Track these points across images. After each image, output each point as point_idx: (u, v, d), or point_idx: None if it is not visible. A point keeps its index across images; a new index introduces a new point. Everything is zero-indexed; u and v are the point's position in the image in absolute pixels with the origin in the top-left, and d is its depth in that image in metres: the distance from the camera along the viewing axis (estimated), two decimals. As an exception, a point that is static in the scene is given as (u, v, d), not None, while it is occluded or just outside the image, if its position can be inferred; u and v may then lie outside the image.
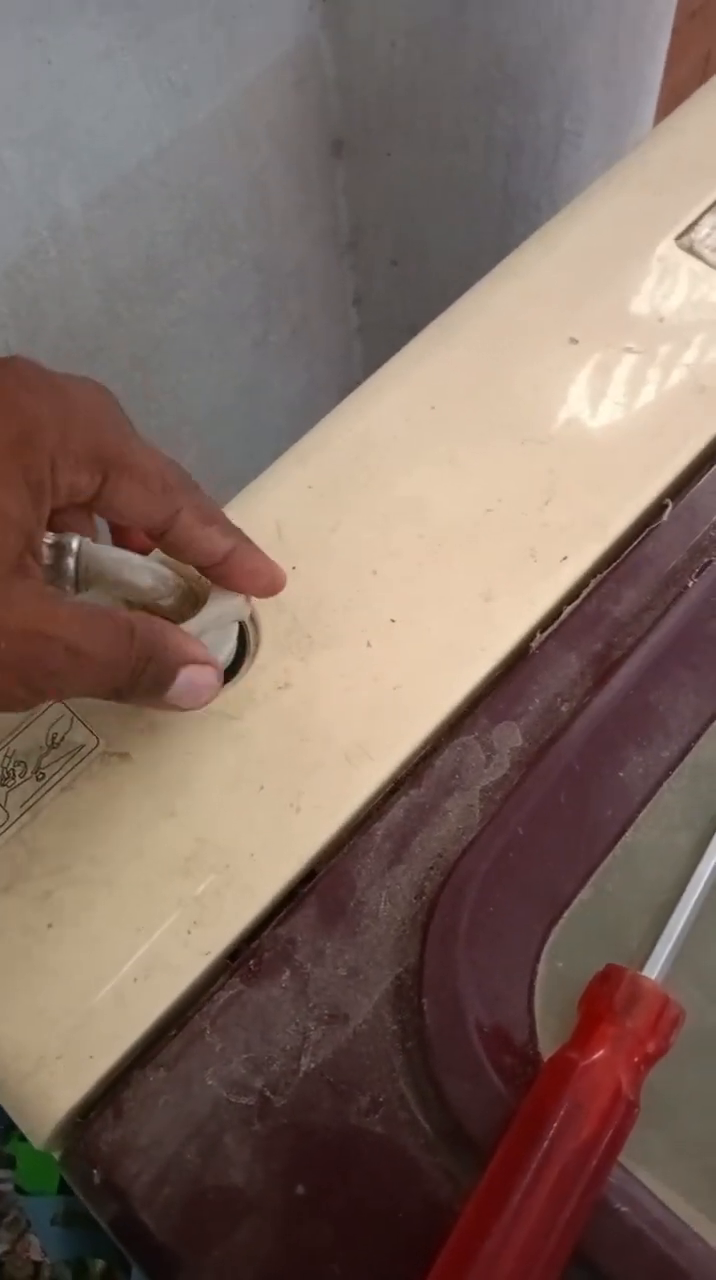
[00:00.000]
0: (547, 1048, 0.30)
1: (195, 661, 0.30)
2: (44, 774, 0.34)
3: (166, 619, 0.32)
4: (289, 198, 0.72)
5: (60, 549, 0.29)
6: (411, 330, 0.42)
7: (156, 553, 0.33)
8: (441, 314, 0.42)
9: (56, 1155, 0.31)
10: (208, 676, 0.31)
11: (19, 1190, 0.93)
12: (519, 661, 0.35)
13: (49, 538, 0.29)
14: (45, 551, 0.28)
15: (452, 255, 0.80)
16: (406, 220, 0.78)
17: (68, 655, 0.27)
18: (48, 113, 0.53)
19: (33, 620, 0.26)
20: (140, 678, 0.29)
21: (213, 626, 0.32)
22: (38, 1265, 0.95)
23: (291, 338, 0.82)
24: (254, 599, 0.34)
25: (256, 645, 0.36)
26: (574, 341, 0.40)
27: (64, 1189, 0.93)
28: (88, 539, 0.30)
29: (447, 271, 0.82)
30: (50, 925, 0.32)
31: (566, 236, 0.43)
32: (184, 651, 0.30)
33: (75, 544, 0.29)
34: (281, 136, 0.69)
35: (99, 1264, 0.91)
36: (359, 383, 0.41)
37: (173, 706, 0.31)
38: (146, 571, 0.31)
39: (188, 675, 0.30)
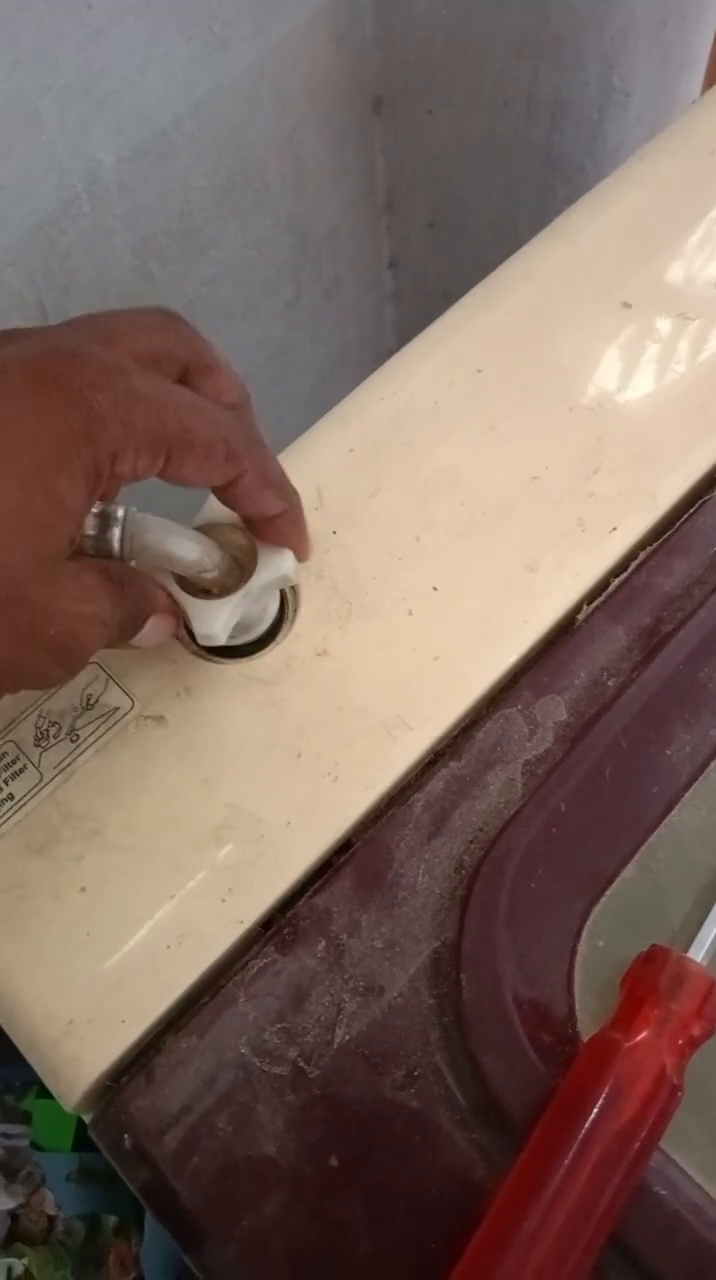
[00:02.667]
0: (587, 1028, 0.29)
1: (161, 611, 0.31)
2: (78, 735, 0.33)
3: (208, 591, 0.31)
4: (325, 156, 0.71)
5: (106, 520, 0.28)
6: (445, 296, 0.41)
7: (202, 518, 0.33)
8: (487, 277, 0.41)
9: (87, 1118, 0.30)
10: (168, 624, 0.31)
11: (35, 1146, 0.94)
12: (564, 634, 0.34)
13: (95, 507, 0.28)
14: (90, 521, 0.27)
15: (491, 219, 0.78)
16: (444, 182, 0.76)
17: (103, 631, 0.27)
18: (83, 63, 0.52)
19: (79, 605, 0.26)
20: (124, 633, 0.29)
21: (263, 593, 0.32)
22: (52, 1219, 0.96)
23: (323, 301, 0.80)
24: None
25: (294, 612, 0.35)
26: (626, 306, 0.39)
27: (79, 1146, 0.94)
28: (133, 508, 0.29)
29: (485, 236, 0.80)
30: (83, 889, 0.31)
31: (619, 199, 0.42)
32: (154, 600, 0.30)
33: (121, 514, 0.28)
34: (318, 92, 0.67)
35: (112, 1220, 0.93)
36: (392, 349, 0.40)
37: (128, 647, 0.31)
38: (192, 544, 0.30)
39: (153, 622, 0.30)
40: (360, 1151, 0.28)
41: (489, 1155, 0.28)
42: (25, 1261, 0.93)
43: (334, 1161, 0.28)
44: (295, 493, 0.32)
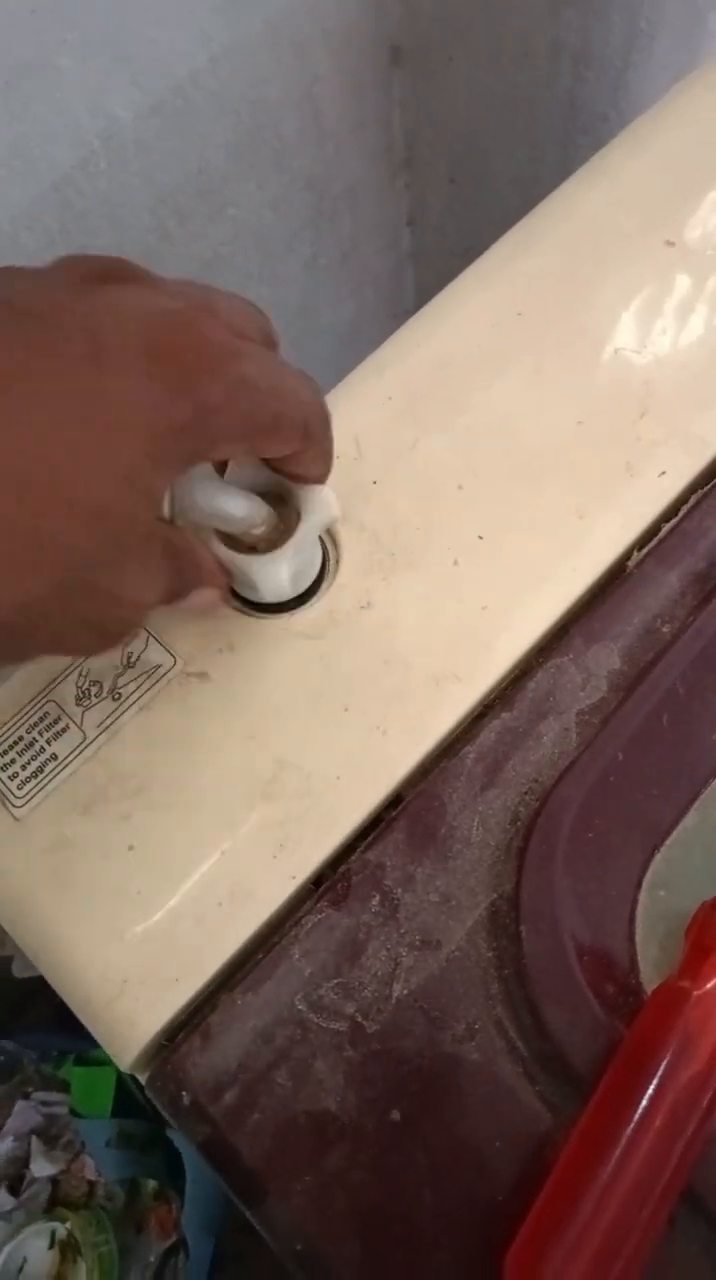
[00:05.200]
0: (650, 978, 0.28)
1: (211, 582, 0.30)
2: (120, 694, 0.33)
3: (253, 548, 0.31)
4: (343, 111, 0.69)
5: None
6: (466, 254, 0.39)
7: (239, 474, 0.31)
8: (525, 216, 0.40)
9: (142, 1078, 0.30)
10: (214, 596, 0.31)
11: (73, 1113, 0.95)
12: (615, 581, 0.33)
13: None
14: None
15: (512, 174, 0.76)
16: (465, 136, 0.74)
17: (155, 607, 0.27)
18: (101, 15, 0.51)
19: (142, 591, 0.26)
20: (171, 599, 0.29)
21: (309, 543, 0.31)
22: (92, 1184, 0.97)
23: (341, 262, 0.79)
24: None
25: (336, 564, 0.34)
26: (670, 244, 0.38)
27: (117, 1112, 0.94)
28: None
29: (506, 192, 0.79)
30: (131, 848, 0.31)
31: (660, 134, 0.40)
32: (206, 571, 0.30)
33: None
34: (337, 43, 0.65)
35: (151, 1184, 0.93)
36: (411, 310, 0.39)
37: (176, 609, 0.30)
38: (241, 502, 0.29)
39: (201, 594, 0.30)
40: (422, 1106, 0.28)
41: (554, 1107, 0.28)
42: (68, 1225, 0.94)
43: (395, 1116, 0.28)
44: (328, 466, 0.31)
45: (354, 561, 0.34)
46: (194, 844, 0.31)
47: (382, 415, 0.36)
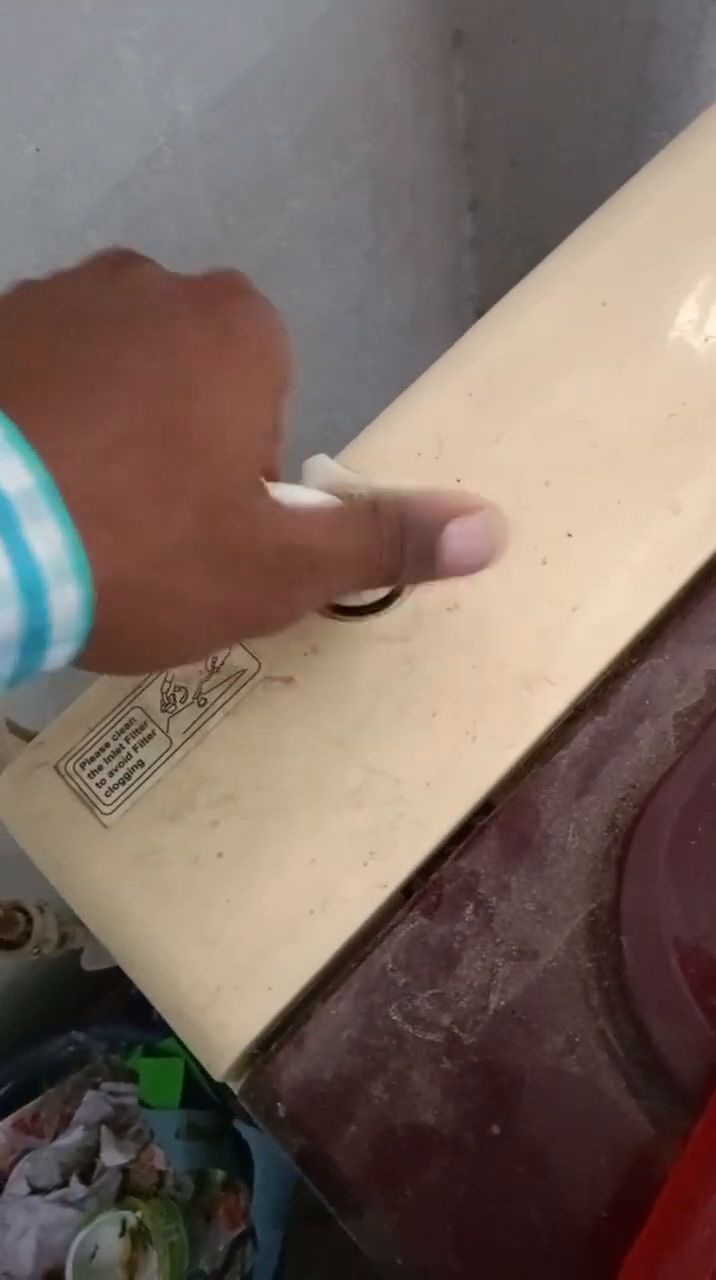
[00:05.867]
0: (757, 990, 0.28)
1: (456, 514, 0.26)
2: (206, 700, 0.33)
3: None
4: (405, 97, 0.68)
5: None
6: (528, 240, 0.38)
7: (316, 474, 0.31)
8: (605, 203, 0.39)
9: (236, 1088, 0.30)
10: (478, 523, 0.27)
11: (142, 1104, 0.96)
12: (710, 579, 0.32)
13: None
14: None
15: (576, 156, 0.75)
16: (528, 117, 0.73)
17: (323, 560, 0.25)
18: (164, 9, 0.50)
19: (283, 535, 0.24)
20: (404, 556, 0.26)
21: None
22: (162, 1174, 0.98)
23: (402, 251, 0.78)
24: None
25: (421, 565, 0.34)
26: (761, 226, 0.36)
27: (185, 1103, 0.95)
28: None
29: (569, 175, 0.77)
30: (220, 855, 0.31)
31: (746, 110, 0.39)
32: (439, 509, 0.26)
33: None
34: (399, 29, 0.64)
35: (219, 1174, 0.94)
36: (473, 296, 0.38)
37: (460, 573, 0.27)
38: (320, 501, 0.29)
39: (455, 532, 0.26)
40: (522, 1119, 0.27)
41: (659, 1120, 0.27)
42: (139, 1214, 0.95)
43: (496, 1130, 0.27)
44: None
45: (438, 562, 0.34)
46: (283, 852, 0.31)
47: (464, 411, 0.36)
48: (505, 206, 0.80)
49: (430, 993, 0.29)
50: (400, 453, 0.34)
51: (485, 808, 0.31)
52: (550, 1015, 0.28)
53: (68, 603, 0.20)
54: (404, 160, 0.71)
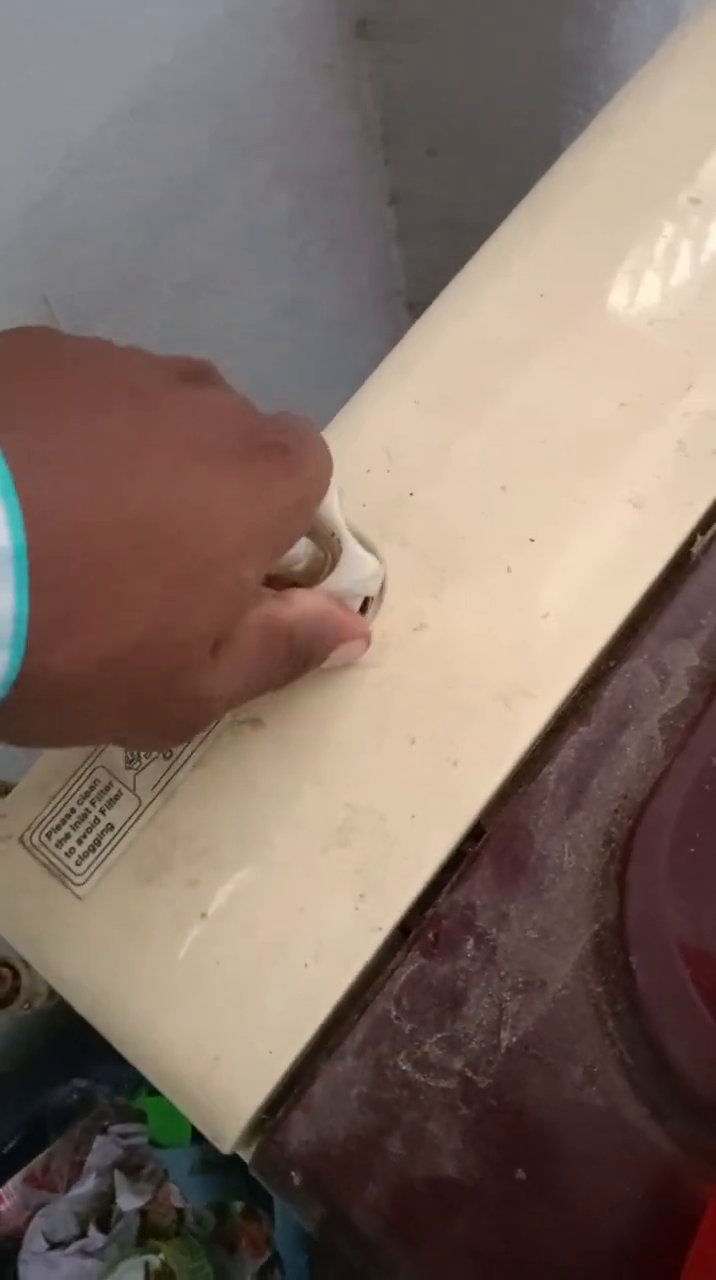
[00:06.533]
0: (776, 997, 0.27)
1: (348, 639, 0.30)
2: (172, 752, 0.31)
3: (296, 583, 0.29)
4: (313, 92, 0.66)
5: None
6: (454, 228, 0.37)
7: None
8: (532, 189, 0.37)
9: (247, 1158, 0.28)
10: (358, 647, 0.30)
11: (153, 1143, 0.94)
12: (681, 571, 0.31)
13: None
14: None
15: (494, 138, 0.73)
16: (441, 104, 0.71)
17: (234, 698, 0.26)
18: (49, 30, 0.48)
19: (229, 684, 0.25)
20: (295, 675, 0.28)
21: (352, 572, 0.29)
22: (180, 1211, 0.96)
23: (328, 249, 0.76)
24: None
25: (382, 585, 0.32)
26: (695, 202, 0.35)
27: (197, 1138, 0.93)
28: None
29: (490, 159, 0.76)
30: (203, 915, 0.29)
31: (668, 83, 0.38)
32: (342, 634, 0.29)
33: None
34: (299, 23, 0.62)
35: (238, 1204, 0.93)
36: (402, 290, 0.36)
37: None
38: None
39: (338, 652, 0.30)
40: (548, 1160, 0.26)
41: (688, 1144, 0.26)
42: (161, 1256, 0.94)
43: (521, 1174, 0.26)
44: None
45: (400, 580, 0.32)
46: (270, 903, 0.29)
47: (410, 420, 0.34)
48: (427, 196, 0.78)
49: (438, 1036, 0.27)
50: (349, 473, 0.33)
51: (476, 832, 0.30)
52: (565, 1047, 0.27)
53: None
54: (320, 158, 0.70)
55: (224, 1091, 0.28)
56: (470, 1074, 0.27)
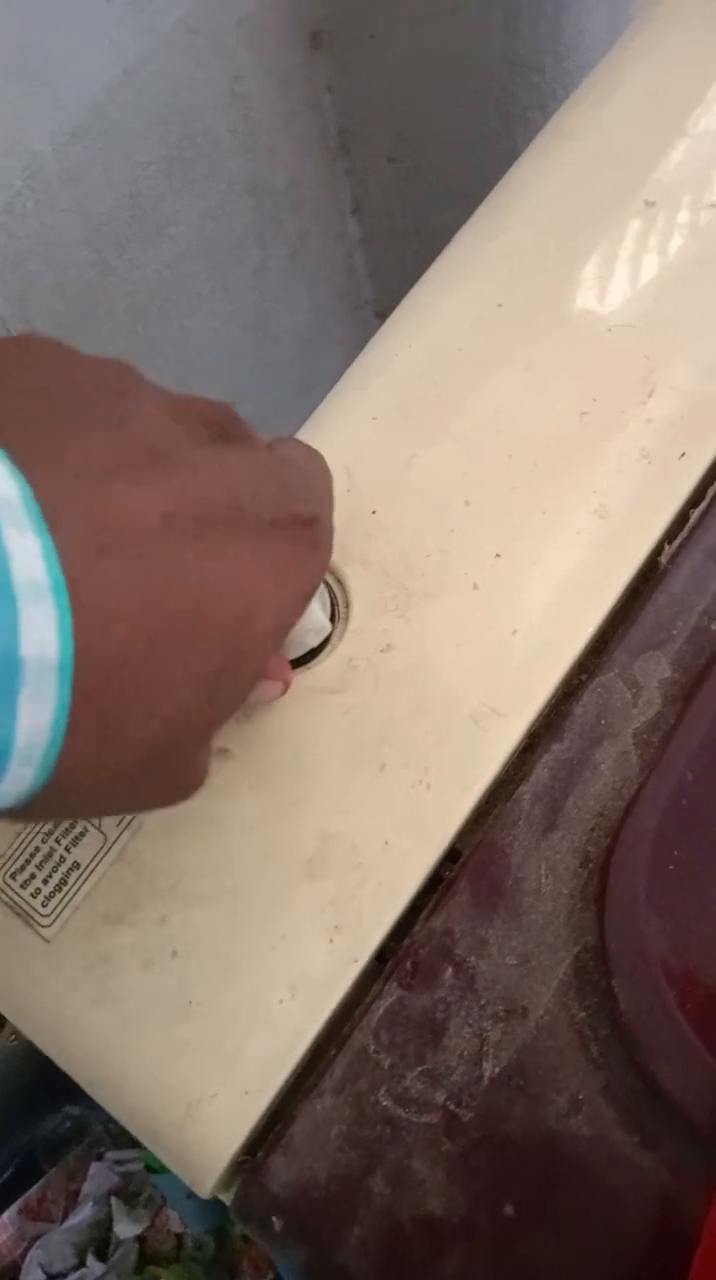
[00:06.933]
0: (761, 1015, 0.26)
1: (267, 679, 0.29)
2: (138, 786, 0.30)
3: None
4: (271, 104, 0.66)
5: None
6: (417, 234, 0.37)
7: None
8: (487, 197, 0.37)
9: (227, 1199, 0.28)
10: (272, 689, 0.29)
11: (150, 1169, 0.93)
12: (650, 581, 0.31)
13: None
14: None
15: (454, 142, 0.73)
16: (399, 111, 0.71)
17: None
18: (10, 40, 0.47)
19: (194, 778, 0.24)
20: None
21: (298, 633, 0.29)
22: (179, 1237, 0.95)
23: (290, 262, 0.76)
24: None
25: (346, 607, 0.32)
26: (650, 205, 0.35)
27: (193, 1164, 0.92)
28: None
29: (450, 163, 0.75)
30: (174, 953, 0.28)
31: (619, 86, 0.37)
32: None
33: None
34: (254, 35, 0.62)
35: (239, 1229, 0.92)
36: (369, 300, 0.36)
37: None
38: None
39: (256, 691, 0.29)
40: (537, 1193, 0.26)
41: (680, 1170, 0.25)
42: (162, 1283, 0.92)
43: (509, 1210, 0.25)
44: None
45: (365, 601, 0.32)
46: (241, 939, 0.28)
47: (370, 437, 0.34)
48: (389, 204, 0.78)
49: (419, 1070, 0.27)
50: (308, 492, 0.32)
51: (454, 855, 0.29)
52: (549, 1076, 0.26)
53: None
54: (279, 170, 0.69)
55: (200, 1135, 0.27)
56: (453, 1107, 0.26)
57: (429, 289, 0.35)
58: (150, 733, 0.20)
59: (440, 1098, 0.26)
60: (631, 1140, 0.26)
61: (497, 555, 0.31)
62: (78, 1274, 0.92)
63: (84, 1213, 0.95)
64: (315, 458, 0.26)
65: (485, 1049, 0.27)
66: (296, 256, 0.75)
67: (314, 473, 0.25)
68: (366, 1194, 0.26)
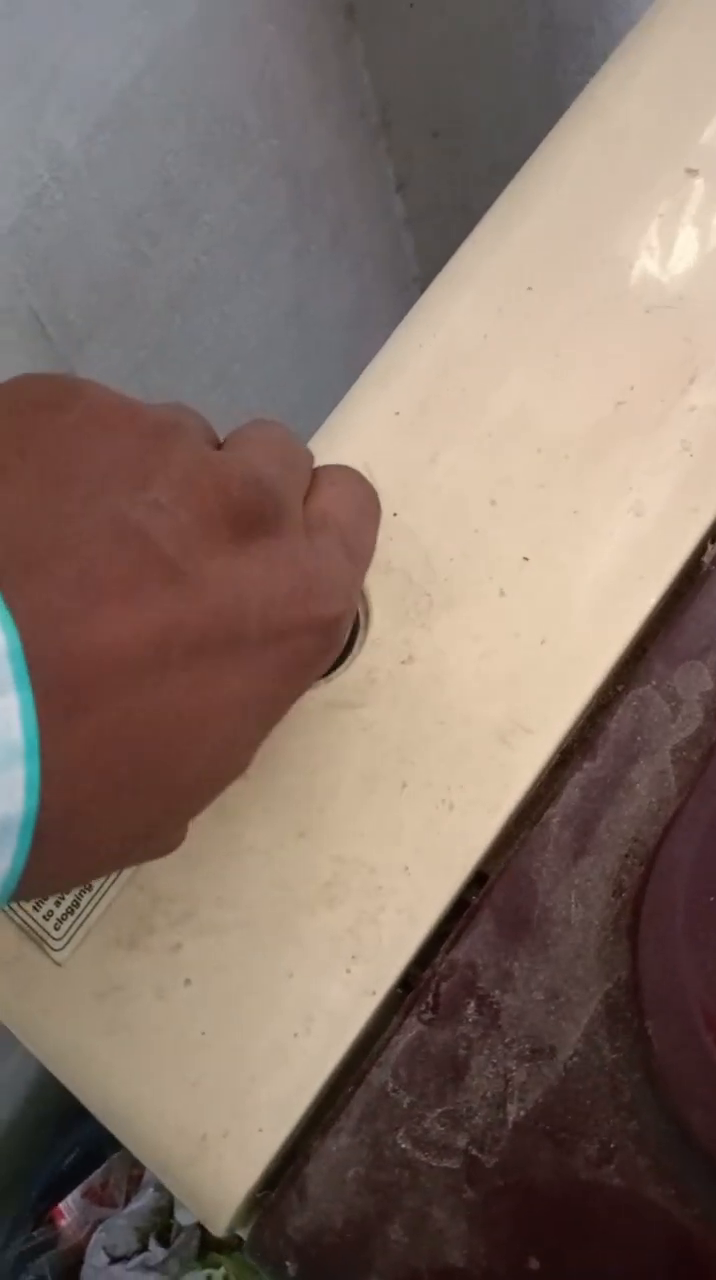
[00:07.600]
0: None
1: None
2: (150, 806, 0.29)
3: None
4: (304, 82, 0.64)
5: None
6: (465, 210, 0.35)
7: None
8: (517, 175, 0.35)
9: (244, 1238, 0.27)
10: None
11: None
12: (692, 585, 0.28)
13: None
14: None
15: (498, 113, 0.70)
16: (440, 82, 0.68)
17: None
18: (14, 41, 0.46)
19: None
20: None
21: None
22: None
23: (332, 244, 0.74)
24: None
25: (366, 617, 0.30)
26: (692, 173, 0.32)
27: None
28: None
29: (494, 134, 0.73)
30: (188, 982, 0.27)
31: (657, 48, 0.34)
32: None
33: None
34: (283, 12, 0.60)
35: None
36: (417, 278, 0.34)
37: None
38: None
39: None
40: (564, 1246, 0.24)
41: (718, 1230, 0.23)
42: (223, 1270, 0.93)
43: (534, 1264, 0.24)
44: None
45: (386, 609, 0.30)
46: (256, 969, 0.27)
47: (392, 433, 0.32)
48: (434, 180, 0.75)
49: (439, 1111, 0.25)
50: (323, 496, 0.30)
51: (479, 880, 0.28)
52: (578, 1121, 0.25)
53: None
54: (315, 151, 0.67)
55: (212, 1173, 0.26)
56: (475, 1152, 0.25)
57: (453, 276, 0.33)
58: (119, 845, 0.20)
59: (461, 1141, 0.25)
60: (665, 1193, 0.24)
61: (525, 559, 0.29)
62: (140, 1258, 0.93)
63: (145, 1198, 0.96)
64: (366, 513, 0.25)
65: (510, 1090, 0.25)
66: (337, 239, 0.73)
67: (357, 545, 0.24)
68: (383, 1241, 0.25)
